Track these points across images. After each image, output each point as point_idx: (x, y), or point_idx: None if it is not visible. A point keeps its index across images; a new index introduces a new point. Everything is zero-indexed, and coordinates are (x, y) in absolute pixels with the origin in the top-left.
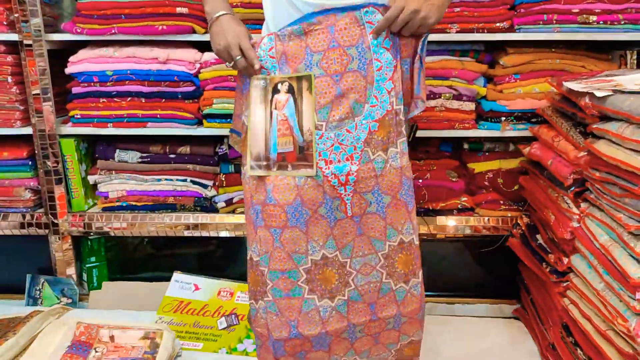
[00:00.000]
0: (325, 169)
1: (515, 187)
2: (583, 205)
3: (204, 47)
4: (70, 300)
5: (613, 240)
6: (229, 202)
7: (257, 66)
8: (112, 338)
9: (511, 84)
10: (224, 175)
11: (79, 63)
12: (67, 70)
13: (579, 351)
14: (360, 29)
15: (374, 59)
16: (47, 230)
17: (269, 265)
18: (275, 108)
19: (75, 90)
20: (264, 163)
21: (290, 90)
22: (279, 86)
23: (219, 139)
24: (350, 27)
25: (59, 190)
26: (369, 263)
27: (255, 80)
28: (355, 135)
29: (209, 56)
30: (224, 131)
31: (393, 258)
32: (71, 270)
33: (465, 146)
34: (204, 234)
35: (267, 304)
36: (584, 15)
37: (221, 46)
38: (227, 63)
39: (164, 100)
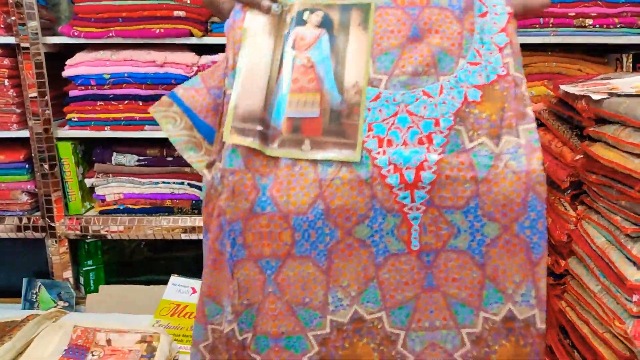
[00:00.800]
0: (379, 154)
1: None
2: (580, 208)
3: (201, 50)
4: (67, 304)
5: (610, 243)
6: None
7: None
8: (108, 342)
9: None
10: None
11: (76, 66)
12: (65, 74)
13: (576, 354)
14: None
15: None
16: (43, 234)
17: (255, 327)
18: (294, 47)
19: (73, 93)
20: (258, 128)
21: (326, 23)
22: (305, 15)
23: None
24: None
25: (56, 194)
26: (441, 346)
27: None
28: (440, 101)
29: (206, 59)
30: None
31: (489, 345)
32: (68, 274)
33: None
34: (202, 237)
35: None
36: (580, 19)
37: None
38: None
39: None
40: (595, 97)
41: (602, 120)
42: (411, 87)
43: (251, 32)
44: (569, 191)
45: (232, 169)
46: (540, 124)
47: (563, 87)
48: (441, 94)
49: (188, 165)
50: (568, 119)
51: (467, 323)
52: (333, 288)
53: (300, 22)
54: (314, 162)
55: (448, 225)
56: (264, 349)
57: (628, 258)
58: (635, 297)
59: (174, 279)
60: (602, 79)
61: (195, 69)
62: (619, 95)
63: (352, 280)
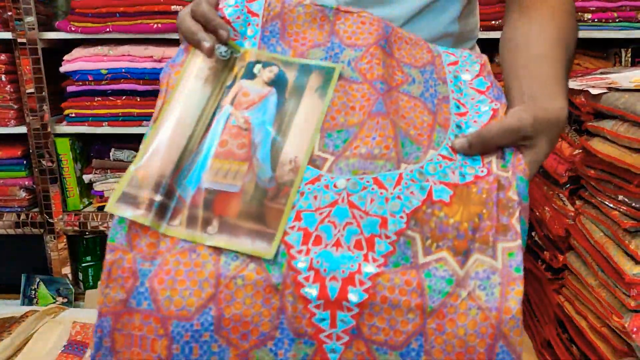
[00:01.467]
0: (300, 252)
1: None
2: (578, 202)
3: None
4: (65, 300)
5: (608, 237)
6: None
7: (223, 33)
8: None
9: None
10: None
11: (73, 61)
12: (62, 69)
13: (574, 348)
14: (432, 56)
15: (453, 97)
16: (42, 230)
17: None
18: (232, 103)
19: (70, 89)
20: (157, 198)
21: (279, 82)
22: (257, 69)
23: None
24: (415, 44)
25: (54, 190)
26: None
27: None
28: (394, 195)
29: None
30: None
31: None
32: (67, 270)
33: None
34: None
35: None
36: (579, 13)
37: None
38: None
39: None
40: (594, 91)
41: (600, 115)
42: (361, 172)
43: (186, 77)
44: (567, 186)
45: (114, 245)
46: None
47: None
48: (397, 186)
49: None
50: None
51: None
52: None
53: (250, 75)
54: (217, 250)
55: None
56: None
57: (626, 253)
58: (633, 292)
59: None
60: (601, 73)
61: None
62: (617, 90)
63: None
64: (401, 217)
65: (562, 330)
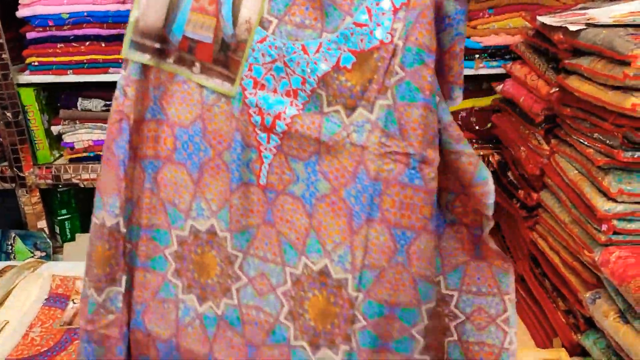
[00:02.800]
0: (251, 94)
1: (488, 126)
2: (553, 141)
3: None
4: (44, 254)
5: (582, 175)
6: None
7: None
8: None
9: (485, 20)
10: None
11: (30, 5)
12: (18, 14)
13: (546, 282)
14: None
15: None
16: (13, 184)
17: (130, 218)
18: None
19: (30, 35)
20: (154, 44)
21: None
22: None
23: None
24: None
25: (22, 143)
26: (268, 278)
27: None
28: (312, 61)
29: None
30: None
31: (305, 291)
32: (42, 224)
33: None
34: None
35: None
36: None
37: None
38: None
39: None
40: (572, 28)
41: (578, 52)
42: (293, 38)
43: None
44: (543, 125)
45: (133, 79)
46: (517, 57)
47: (540, 19)
48: (317, 53)
49: None
50: (545, 51)
51: (291, 263)
52: (198, 197)
53: None
54: (200, 86)
55: (290, 172)
56: (135, 238)
57: (599, 189)
58: (604, 227)
59: None
60: (580, 8)
61: None
62: (596, 26)
63: (215, 196)
64: (314, 79)
65: (535, 265)
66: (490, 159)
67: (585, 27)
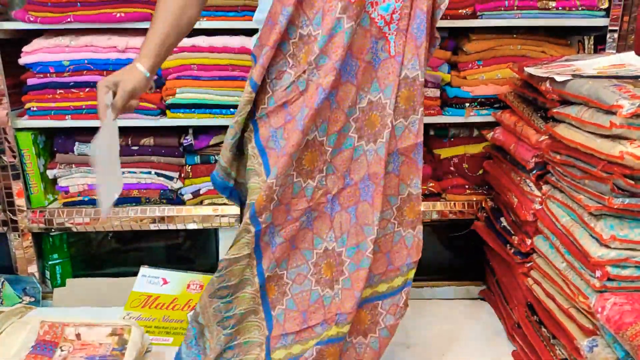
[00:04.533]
0: (375, 11)
1: (480, 172)
2: (545, 187)
3: None
4: (33, 299)
5: (574, 221)
6: (195, 193)
7: (101, 116)
8: (78, 336)
9: (474, 70)
10: (189, 167)
11: (33, 53)
12: (21, 61)
13: (543, 329)
14: None
15: None
16: (5, 228)
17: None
18: None
19: (31, 81)
20: None
21: None
22: None
23: (183, 130)
24: None
25: (17, 186)
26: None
27: None
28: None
29: None
30: (188, 122)
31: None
32: (33, 268)
33: (432, 132)
34: (171, 226)
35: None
36: (544, 2)
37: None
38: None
39: None
40: (559, 78)
41: (565, 102)
42: None
43: None
44: (534, 171)
45: None
46: (506, 106)
47: (528, 70)
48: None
49: (155, 154)
50: (533, 100)
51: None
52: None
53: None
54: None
55: (408, 37)
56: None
57: (591, 235)
58: (598, 273)
59: (143, 270)
60: (565, 60)
61: None
62: (581, 77)
63: (364, 81)
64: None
65: (531, 312)
66: (483, 205)
67: (571, 77)
